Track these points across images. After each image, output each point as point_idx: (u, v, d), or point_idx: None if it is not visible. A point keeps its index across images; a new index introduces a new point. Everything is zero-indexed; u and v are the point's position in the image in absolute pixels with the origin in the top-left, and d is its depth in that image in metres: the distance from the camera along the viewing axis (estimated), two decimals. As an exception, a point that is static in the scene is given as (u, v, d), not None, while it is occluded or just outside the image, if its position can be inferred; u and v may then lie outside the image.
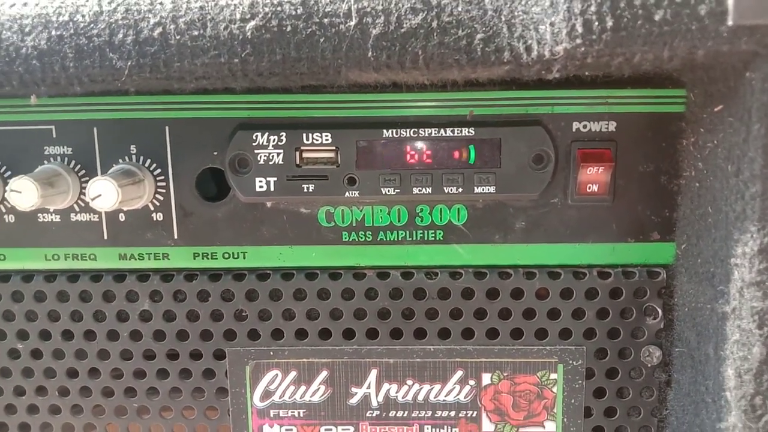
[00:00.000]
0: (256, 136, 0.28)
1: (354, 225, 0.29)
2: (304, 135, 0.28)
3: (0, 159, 0.29)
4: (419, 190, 0.28)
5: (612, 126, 0.28)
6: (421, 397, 0.30)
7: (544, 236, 0.29)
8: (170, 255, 0.30)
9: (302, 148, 0.28)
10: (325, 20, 0.24)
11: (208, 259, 0.30)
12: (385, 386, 0.30)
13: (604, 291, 0.29)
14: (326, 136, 0.28)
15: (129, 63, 0.24)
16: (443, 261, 0.29)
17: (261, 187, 0.28)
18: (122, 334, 0.30)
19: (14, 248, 0.30)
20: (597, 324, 0.29)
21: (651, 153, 0.28)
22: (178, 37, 0.24)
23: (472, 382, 0.30)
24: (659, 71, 0.25)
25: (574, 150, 0.28)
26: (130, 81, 0.25)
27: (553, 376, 0.30)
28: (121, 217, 0.29)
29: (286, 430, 0.31)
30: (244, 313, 0.30)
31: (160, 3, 0.24)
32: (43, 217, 0.29)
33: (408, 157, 0.28)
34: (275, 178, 0.28)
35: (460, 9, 0.24)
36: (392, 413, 0.30)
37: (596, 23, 0.23)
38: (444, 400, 0.30)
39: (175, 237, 0.29)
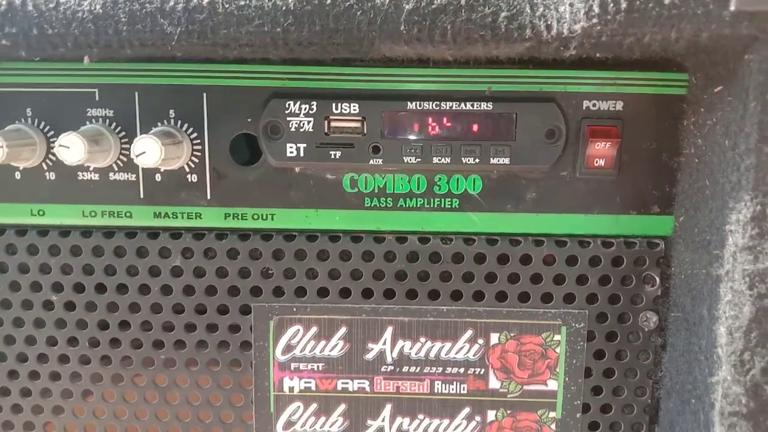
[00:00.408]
0: (289, 105, 0.30)
1: (376, 191, 0.31)
2: (334, 105, 0.30)
3: (45, 119, 0.31)
4: (438, 160, 0.30)
5: (619, 105, 0.30)
6: (432, 355, 0.32)
7: (553, 207, 0.31)
8: (202, 215, 0.31)
9: (331, 117, 0.30)
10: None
11: (238, 219, 0.32)
12: (400, 343, 0.32)
13: (607, 259, 0.31)
14: (354, 106, 0.30)
15: (179, 29, 0.26)
16: (458, 227, 0.31)
17: (291, 152, 0.30)
18: (153, 289, 0.32)
19: (53, 204, 0.32)
20: (599, 290, 0.32)
21: (654, 131, 0.31)
22: (225, 6, 0.26)
23: (480, 341, 0.32)
24: (665, 54, 0.28)
25: (584, 126, 0.30)
26: (178, 46, 0.27)
27: (557, 337, 0.32)
28: (158, 177, 0.31)
29: (305, 383, 0.32)
30: (270, 272, 0.32)
31: (210, -27, 0.26)
32: (83, 175, 0.31)
33: (429, 128, 0.30)
34: (305, 145, 0.30)
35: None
36: (405, 369, 0.32)
37: (611, 4, 0.25)
38: (454, 358, 0.32)
39: (208, 198, 0.31)
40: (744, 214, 0.26)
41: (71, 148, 0.28)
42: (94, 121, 0.31)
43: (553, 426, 0.32)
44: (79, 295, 0.32)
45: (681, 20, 0.25)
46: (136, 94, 0.31)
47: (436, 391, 0.32)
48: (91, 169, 0.31)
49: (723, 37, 0.25)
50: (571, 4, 0.25)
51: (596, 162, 0.31)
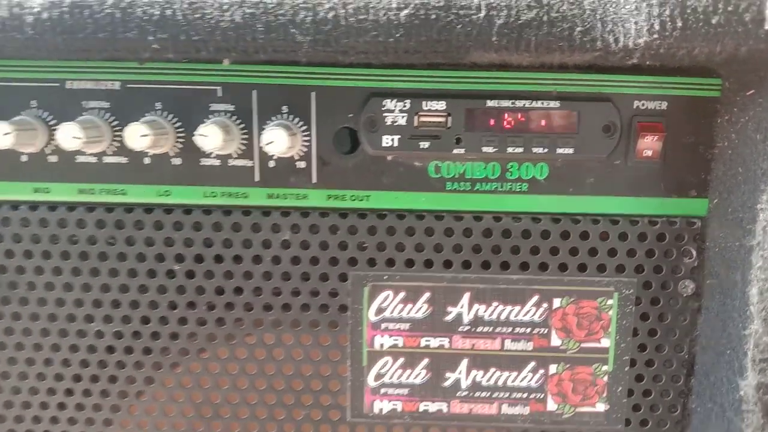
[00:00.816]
0: (385, 103, 0.35)
1: (456, 177, 0.37)
2: (423, 103, 0.35)
3: (174, 112, 0.36)
4: (512, 150, 0.36)
5: (663, 105, 0.36)
6: (503, 317, 0.38)
7: (608, 190, 0.37)
8: (308, 196, 0.37)
9: (421, 113, 0.35)
10: (461, 11, 0.31)
11: (338, 200, 0.37)
12: (476, 306, 0.37)
13: (652, 236, 0.37)
14: (441, 104, 0.35)
15: (307, 38, 0.31)
16: (527, 208, 0.37)
17: (386, 143, 0.36)
18: (265, 259, 0.37)
19: (178, 186, 0.37)
20: (645, 262, 0.37)
21: (692, 127, 0.36)
22: (347, 20, 0.31)
23: (545, 305, 0.37)
24: (706, 64, 0.33)
25: (635, 123, 0.36)
26: (305, 53, 0.32)
27: (610, 302, 0.37)
28: (271, 164, 0.36)
29: (394, 340, 0.38)
30: (365, 245, 0.37)
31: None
32: (205, 161, 0.36)
33: (504, 123, 0.35)
34: (398, 137, 0.36)
35: (564, 8, 0.31)
36: (480, 329, 0.38)
37: (669, 23, 0.30)
38: (522, 320, 0.38)
39: (314, 181, 0.37)
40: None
41: (209, 137, 0.33)
42: (216, 115, 0.36)
43: (605, 378, 0.38)
44: (199, 265, 0.37)
45: (725, 37, 0.30)
46: (254, 92, 0.36)
47: (505, 348, 0.38)
48: (213, 155, 0.36)
49: (758, 51, 0.31)
50: (636, 22, 0.31)
51: (644, 153, 0.36)
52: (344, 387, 0.39)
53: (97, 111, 0.35)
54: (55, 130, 0.35)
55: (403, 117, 0.35)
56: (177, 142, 0.36)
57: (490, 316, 0.38)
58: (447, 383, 0.38)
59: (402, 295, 0.37)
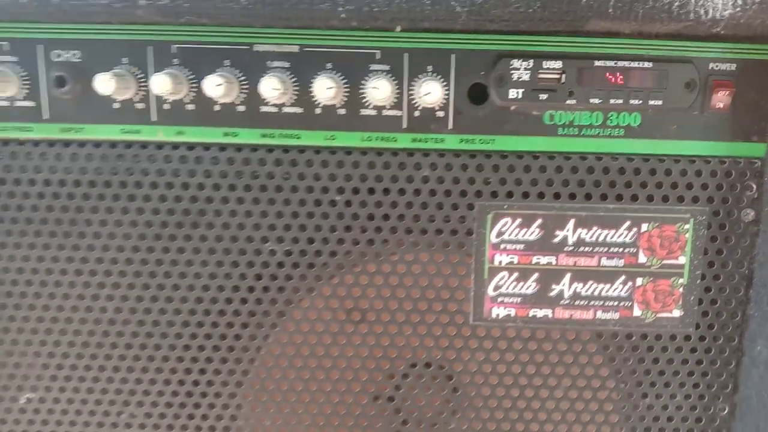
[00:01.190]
0: (513, 62, 0.44)
1: (566, 124, 0.45)
2: (544, 62, 0.44)
3: (341, 71, 0.44)
4: (613, 101, 0.44)
5: (733, 67, 0.45)
6: (600, 239, 0.46)
7: (688, 135, 0.45)
8: (445, 140, 0.45)
9: (541, 71, 0.44)
10: (585, -11, 0.40)
11: (469, 143, 0.45)
12: (578, 230, 0.46)
13: (722, 173, 0.46)
14: (558, 63, 0.44)
15: (465, 9, 0.40)
16: (622, 150, 0.46)
17: (511, 96, 0.44)
18: (408, 191, 0.46)
19: (342, 132, 0.45)
20: (715, 194, 0.46)
21: (756, 85, 0.45)
22: (497, -6, 0.40)
23: (634, 230, 0.46)
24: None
25: (711, 81, 0.44)
26: (462, 22, 0.40)
27: (686, 227, 0.46)
28: (416, 113, 0.45)
29: (510, 258, 0.47)
30: (489, 180, 0.46)
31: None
32: (363, 111, 0.45)
33: (609, 79, 0.44)
34: (522, 90, 0.44)
35: (666, -14, 0.40)
36: (581, 249, 0.47)
37: (747, 1, 0.39)
38: (615, 241, 0.46)
39: (449, 128, 0.45)
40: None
41: (380, 89, 0.42)
42: (375, 74, 0.44)
43: (681, 289, 0.47)
44: (355, 196, 0.46)
45: (793, 9, 0.39)
46: (406, 55, 0.44)
47: (601, 264, 0.47)
48: (371, 106, 0.45)
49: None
50: (723, 1, 0.39)
51: (717, 105, 0.45)
52: (468, 296, 0.48)
53: (280, 70, 0.44)
54: (245, 85, 0.43)
55: (526, 74, 0.44)
56: (343, 96, 0.44)
57: (590, 238, 0.46)
58: (552, 293, 0.47)
59: (518, 221, 0.46)
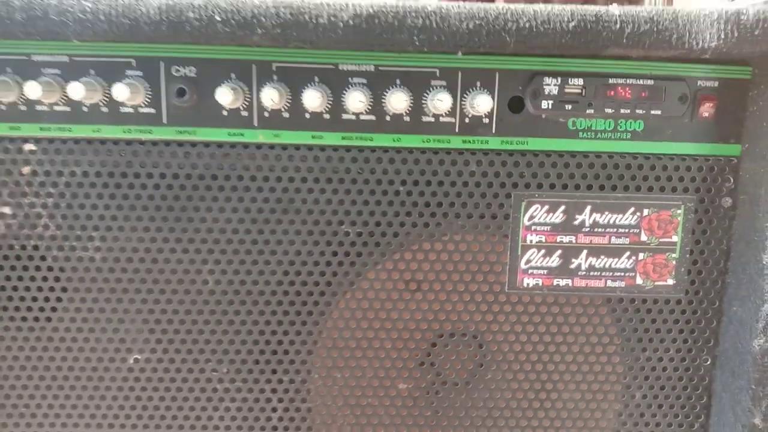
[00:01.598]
0: (545, 80, 0.55)
1: (585, 128, 0.56)
2: (569, 79, 0.55)
3: (407, 86, 0.55)
4: (623, 111, 0.56)
5: (716, 84, 0.56)
6: (611, 222, 0.58)
7: (680, 138, 0.57)
8: (489, 141, 0.56)
9: (566, 86, 0.55)
10: (605, 23, 0.51)
11: (508, 144, 0.56)
12: (594, 215, 0.57)
13: (706, 168, 0.58)
14: (580, 81, 0.55)
15: (513, 40, 0.51)
16: (629, 150, 0.57)
17: (543, 106, 0.55)
18: (458, 182, 0.57)
19: (407, 135, 0.56)
20: (701, 185, 0.58)
21: (733, 99, 0.57)
22: (537, 28, 0.51)
23: (637, 214, 0.58)
24: (743, 58, 0.54)
25: (698, 95, 0.56)
26: (511, 48, 0.51)
27: (678, 211, 0.58)
28: (466, 120, 0.56)
29: (539, 237, 0.58)
30: (523, 174, 0.57)
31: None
32: (425, 118, 0.55)
33: (620, 93, 0.56)
34: (551, 101, 0.55)
35: (667, 22, 0.51)
36: (595, 230, 0.58)
37: (729, 35, 0.51)
38: (622, 223, 0.58)
39: (493, 132, 0.56)
40: (789, 138, 0.52)
41: (443, 101, 0.53)
42: (433, 89, 0.55)
43: (674, 262, 0.59)
44: (415, 187, 0.56)
45: (761, 42, 0.51)
46: (460, 73, 0.55)
47: (611, 242, 0.58)
48: (430, 114, 0.55)
49: (782, 50, 0.52)
50: (710, 34, 0.51)
51: (703, 114, 0.57)
52: (504, 269, 0.59)
53: (360, 85, 0.54)
54: (330, 98, 0.54)
55: (555, 89, 0.55)
56: (408, 106, 0.55)
57: (602, 221, 0.58)
58: (572, 266, 0.59)
59: (546, 207, 0.57)
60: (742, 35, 0.50)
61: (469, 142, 0.56)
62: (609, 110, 0.56)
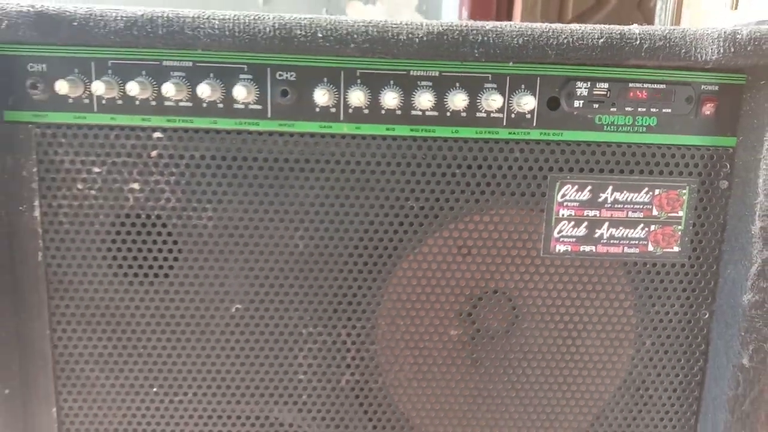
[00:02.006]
0: (577, 84, 0.68)
1: (609, 123, 0.69)
2: (597, 84, 0.68)
3: (464, 88, 0.68)
4: (640, 109, 0.68)
5: (716, 88, 0.69)
6: (629, 199, 0.70)
7: (687, 131, 0.69)
8: (530, 133, 0.69)
9: (595, 89, 0.68)
10: (627, 39, 0.63)
11: (546, 135, 0.69)
12: (615, 194, 0.70)
13: (707, 156, 0.70)
14: (605, 84, 0.68)
15: (553, 52, 0.63)
16: (645, 140, 0.69)
17: (575, 105, 0.68)
18: (504, 167, 0.69)
19: (464, 127, 0.69)
20: (703, 170, 0.70)
21: (730, 100, 0.69)
22: (574, 42, 0.63)
23: (651, 193, 0.70)
24: (739, 67, 0.66)
25: (702, 97, 0.69)
26: (552, 58, 0.64)
27: (684, 191, 0.71)
28: (512, 115, 0.69)
29: (569, 211, 0.71)
30: (557, 159, 0.70)
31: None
32: (478, 114, 0.68)
33: (638, 95, 0.68)
34: (582, 101, 0.68)
35: (677, 39, 0.64)
36: (616, 206, 0.70)
37: (729, 49, 0.63)
38: (638, 200, 0.71)
39: (534, 125, 0.69)
40: (774, 132, 0.65)
41: (496, 100, 0.65)
42: (485, 90, 0.68)
43: (679, 233, 0.72)
44: (469, 170, 0.69)
45: (753, 56, 0.63)
46: (508, 78, 0.68)
47: (628, 216, 0.71)
48: (482, 111, 0.68)
49: (766, 63, 0.64)
50: (711, 49, 0.64)
51: (706, 112, 0.69)
52: (540, 238, 0.72)
53: (426, 87, 0.67)
54: (403, 98, 0.67)
55: (585, 91, 0.68)
56: (465, 104, 0.68)
57: (621, 198, 0.71)
58: (596, 235, 0.72)
59: (575, 187, 0.70)
60: (738, 51, 0.63)
61: (514, 133, 0.69)
62: (629, 108, 0.68)
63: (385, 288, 0.72)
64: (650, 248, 0.72)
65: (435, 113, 0.68)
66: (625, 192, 0.70)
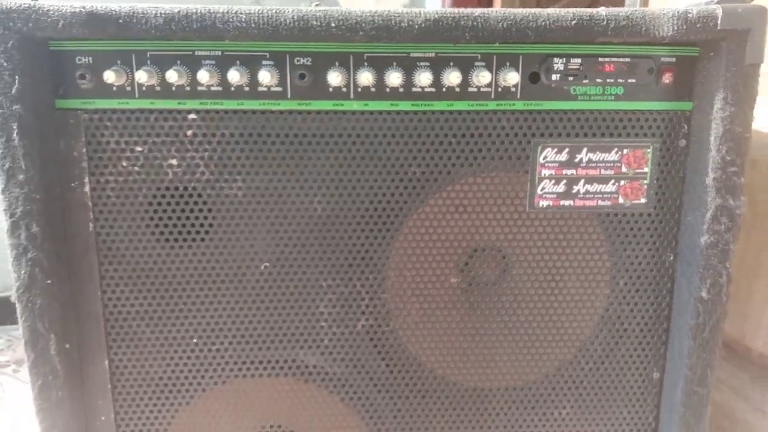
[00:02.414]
0: (554, 60, 0.78)
1: (582, 93, 0.80)
2: (571, 59, 0.78)
3: (458, 67, 0.78)
4: (609, 80, 0.79)
5: (674, 59, 0.80)
6: (600, 159, 0.82)
7: (649, 98, 0.80)
8: (515, 104, 0.80)
9: (569, 64, 0.79)
10: (595, 20, 0.74)
11: (529, 105, 0.80)
12: (589, 154, 0.82)
13: (668, 119, 0.81)
14: (578, 60, 0.79)
15: (533, 33, 0.74)
16: (614, 107, 0.80)
17: (553, 78, 0.79)
18: (493, 135, 0.80)
19: (456, 101, 0.79)
20: (664, 131, 0.82)
21: (686, 70, 0.80)
22: (551, 24, 0.74)
23: (620, 153, 0.81)
24: (693, 40, 0.77)
25: (661, 68, 0.80)
26: (529, 40, 0.74)
27: (648, 150, 0.82)
28: (499, 89, 0.79)
29: (550, 171, 0.82)
30: (538, 126, 0.81)
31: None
32: (469, 89, 0.79)
33: (606, 67, 0.79)
34: (559, 75, 0.79)
35: (638, 19, 0.74)
36: (590, 164, 0.82)
37: (681, 26, 0.74)
38: (609, 159, 0.82)
39: (518, 97, 0.79)
40: (722, 96, 0.76)
41: (485, 76, 0.76)
42: (476, 68, 0.78)
43: (645, 186, 0.83)
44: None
45: (702, 31, 0.74)
46: (495, 56, 0.78)
47: (601, 173, 0.82)
48: (474, 86, 0.79)
49: (715, 37, 0.75)
50: (666, 27, 0.74)
51: (665, 81, 0.80)
52: (526, 195, 0.83)
53: (424, 67, 0.77)
54: (405, 77, 0.77)
55: (561, 66, 0.78)
56: (458, 80, 0.78)
57: (595, 158, 0.82)
58: (573, 191, 0.83)
59: (555, 150, 0.81)
60: (690, 27, 0.74)
61: (501, 105, 0.80)
62: (599, 80, 0.79)
63: (393, 244, 0.83)
64: (621, 201, 0.83)
65: (433, 89, 0.78)
66: (597, 152, 0.81)
